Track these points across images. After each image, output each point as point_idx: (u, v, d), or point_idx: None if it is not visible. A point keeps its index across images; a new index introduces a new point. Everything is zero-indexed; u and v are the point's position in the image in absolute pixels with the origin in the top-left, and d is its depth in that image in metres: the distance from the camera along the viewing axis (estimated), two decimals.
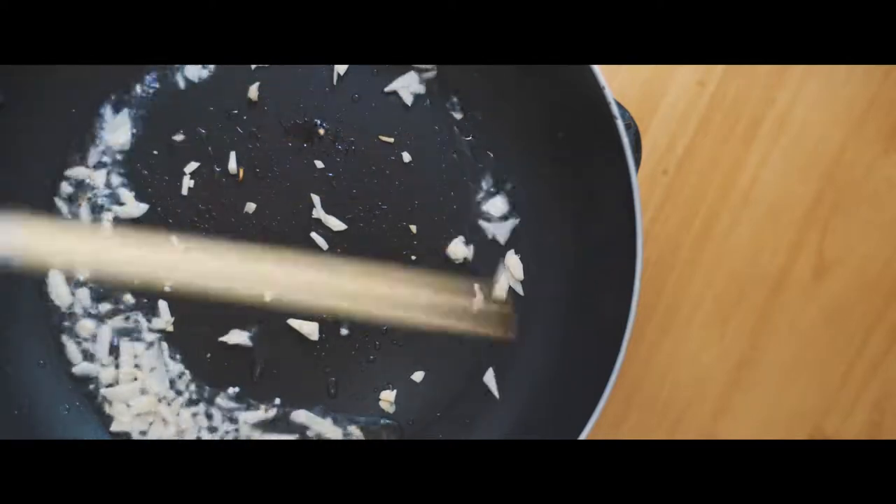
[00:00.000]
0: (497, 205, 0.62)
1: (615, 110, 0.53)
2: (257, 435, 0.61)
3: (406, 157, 0.62)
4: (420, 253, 0.62)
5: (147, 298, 0.61)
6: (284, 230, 0.61)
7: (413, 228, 0.62)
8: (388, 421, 0.62)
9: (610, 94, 0.53)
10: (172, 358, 0.61)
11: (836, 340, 0.68)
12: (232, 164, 0.61)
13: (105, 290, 0.61)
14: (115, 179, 0.61)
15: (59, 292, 0.60)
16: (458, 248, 0.62)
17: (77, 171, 0.61)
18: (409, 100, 0.62)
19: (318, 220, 0.61)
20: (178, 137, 0.61)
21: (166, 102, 0.61)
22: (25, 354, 0.60)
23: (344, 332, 0.62)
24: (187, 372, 0.61)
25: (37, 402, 0.60)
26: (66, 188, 0.61)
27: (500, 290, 0.62)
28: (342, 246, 0.62)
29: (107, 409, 0.61)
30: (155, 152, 0.61)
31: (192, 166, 0.61)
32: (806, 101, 0.67)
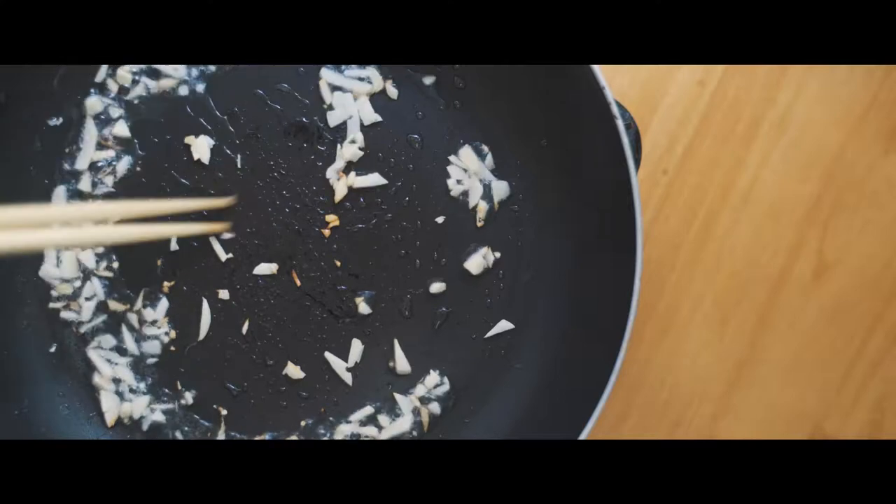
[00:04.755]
0: (496, 204, 0.62)
1: (615, 110, 0.53)
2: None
3: (406, 157, 0.62)
4: (420, 253, 0.62)
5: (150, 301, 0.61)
6: (284, 229, 0.61)
7: (413, 229, 0.62)
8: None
9: (610, 94, 0.53)
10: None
11: (836, 340, 0.68)
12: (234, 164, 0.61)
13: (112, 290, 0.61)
14: (112, 180, 0.61)
15: (59, 271, 0.61)
16: (477, 261, 0.62)
17: (75, 173, 0.61)
18: (414, 100, 0.62)
19: (318, 219, 0.61)
20: (179, 137, 0.61)
21: (166, 102, 0.61)
22: (25, 355, 0.60)
23: (365, 310, 0.62)
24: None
25: (37, 402, 0.60)
26: (63, 190, 0.61)
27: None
28: (341, 245, 0.62)
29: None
30: (154, 153, 0.61)
31: (192, 164, 0.61)
32: (806, 101, 0.67)
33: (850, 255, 0.67)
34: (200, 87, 0.61)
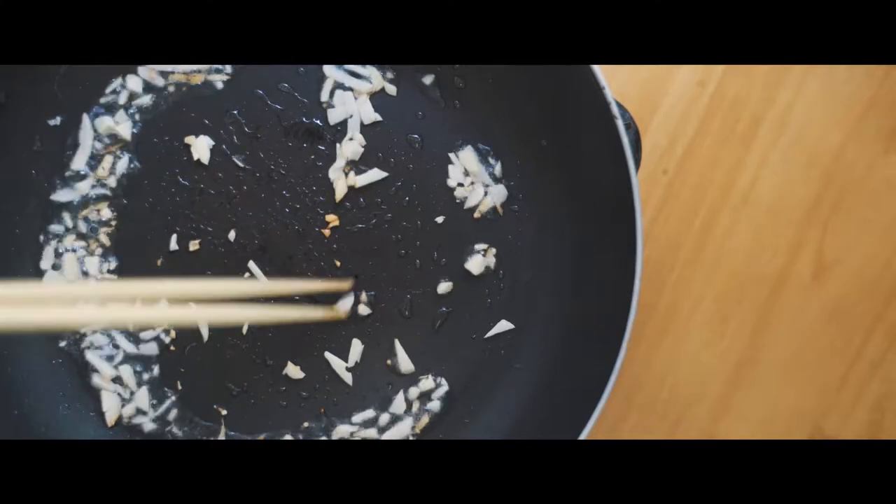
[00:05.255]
0: (496, 205, 0.62)
1: (615, 110, 0.53)
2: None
3: (406, 157, 0.62)
4: (420, 253, 0.62)
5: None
6: (284, 229, 0.61)
7: (413, 229, 0.62)
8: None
9: (610, 94, 0.53)
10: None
11: (836, 340, 0.68)
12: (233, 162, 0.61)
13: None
14: (113, 179, 0.61)
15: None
16: (477, 261, 0.62)
17: (74, 173, 0.61)
18: (413, 99, 0.62)
19: (318, 219, 0.61)
20: (179, 137, 0.61)
21: (167, 102, 0.61)
22: (26, 355, 0.60)
23: (366, 310, 0.62)
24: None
25: (37, 401, 0.60)
26: (64, 188, 0.61)
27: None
28: (341, 245, 0.62)
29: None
30: (154, 153, 0.61)
31: (192, 164, 0.61)
32: (806, 101, 0.67)
33: (850, 255, 0.67)
34: (200, 87, 0.61)
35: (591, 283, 0.59)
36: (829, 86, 0.67)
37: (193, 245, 0.61)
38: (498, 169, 0.62)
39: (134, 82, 0.61)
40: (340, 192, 0.61)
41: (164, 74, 0.61)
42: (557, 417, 0.57)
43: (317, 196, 0.61)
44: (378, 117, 0.61)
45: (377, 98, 0.62)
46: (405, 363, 0.62)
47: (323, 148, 0.62)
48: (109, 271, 0.61)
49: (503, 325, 0.62)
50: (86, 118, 0.61)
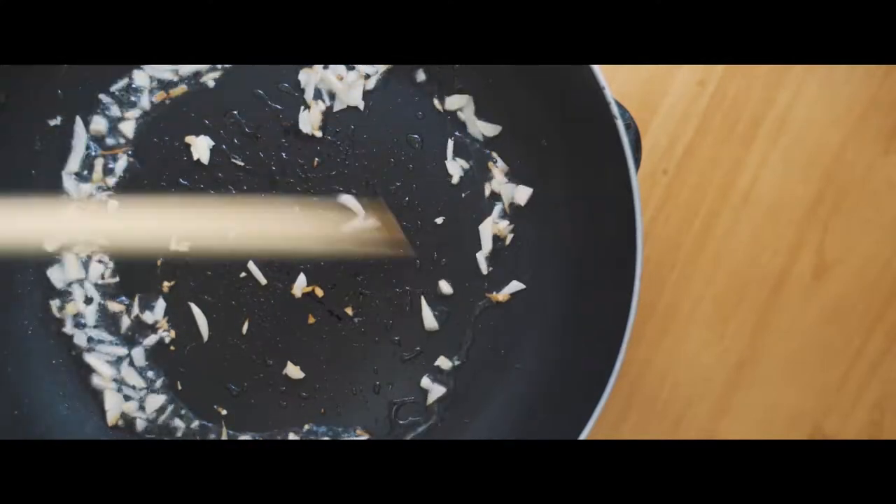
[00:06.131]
0: (497, 205, 0.62)
1: (615, 110, 0.53)
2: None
3: (405, 157, 0.62)
4: (420, 253, 0.62)
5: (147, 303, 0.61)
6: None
7: (413, 229, 0.62)
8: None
9: (610, 94, 0.53)
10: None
11: (835, 340, 0.68)
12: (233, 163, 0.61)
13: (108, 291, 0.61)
14: (113, 179, 0.61)
15: (66, 274, 0.61)
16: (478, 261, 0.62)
17: (73, 173, 0.61)
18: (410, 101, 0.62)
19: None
20: (179, 137, 0.61)
21: (167, 102, 0.61)
22: (26, 355, 0.60)
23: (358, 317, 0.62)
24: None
25: (37, 402, 0.60)
26: (64, 188, 0.61)
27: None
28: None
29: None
30: (154, 153, 0.61)
31: (192, 164, 0.61)
32: (806, 101, 0.67)
33: (850, 255, 0.67)
34: (201, 87, 0.61)
35: (591, 282, 0.59)
36: (829, 86, 0.67)
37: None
38: (498, 171, 0.62)
39: (135, 82, 0.61)
40: (314, 121, 0.61)
41: (138, 90, 0.61)
42: (557, 417, 0.57)
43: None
44: (360, 103, 0.61)
45: (377, 98, 0.62)
46: (429, 321, 0.62)
47: (323, 148, 0.62)
48: (109, 269, 0.61)
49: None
50: (82, 119, 0.61)
